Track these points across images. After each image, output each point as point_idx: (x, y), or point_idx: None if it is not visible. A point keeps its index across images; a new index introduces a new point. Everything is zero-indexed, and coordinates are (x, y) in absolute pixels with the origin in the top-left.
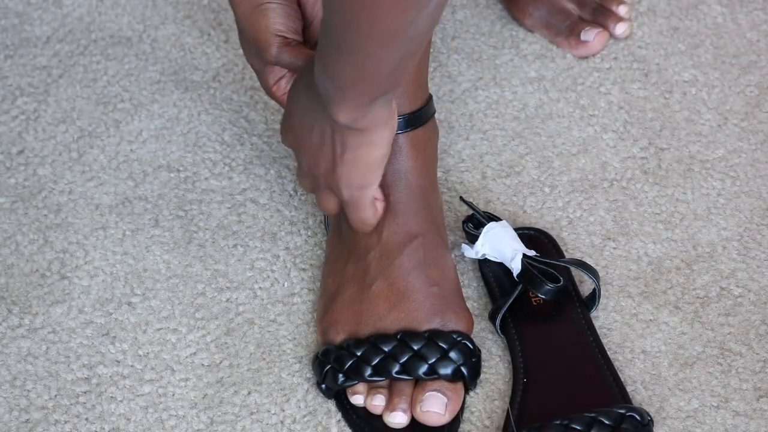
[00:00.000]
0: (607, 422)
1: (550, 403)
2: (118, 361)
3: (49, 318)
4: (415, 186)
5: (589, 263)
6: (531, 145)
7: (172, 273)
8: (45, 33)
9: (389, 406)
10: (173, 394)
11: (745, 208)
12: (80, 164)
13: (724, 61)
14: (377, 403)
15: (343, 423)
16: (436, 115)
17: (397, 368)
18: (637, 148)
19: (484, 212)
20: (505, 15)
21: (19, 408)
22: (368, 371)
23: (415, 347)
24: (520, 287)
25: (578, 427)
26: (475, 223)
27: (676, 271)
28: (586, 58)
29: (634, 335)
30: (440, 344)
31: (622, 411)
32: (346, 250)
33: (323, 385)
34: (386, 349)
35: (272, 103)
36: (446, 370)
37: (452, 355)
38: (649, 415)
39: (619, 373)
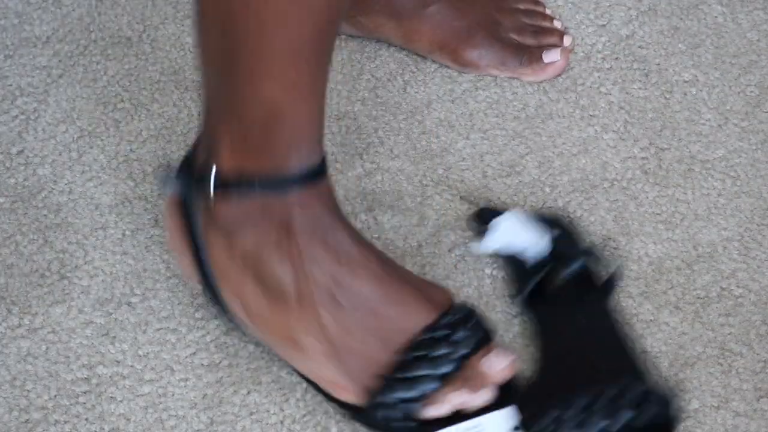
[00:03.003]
0: (632, 398)
1: (574, 379)
2: (118, 361)
3: (49, 318)
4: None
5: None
6: (531, 145)
7: (172, 273)
8: (45, 33)
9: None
10: (173, 394)
11: (745, 208)
12: (80, 164)
13: (724, 61)
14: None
15: (342, 423)
16: (437, 115)
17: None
18: (637, 148)
19: (487, 207)
20: None
21: (18, 408)
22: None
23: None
24: (547, 267)
25: (604, 401)
26: (481, 219)
27: (677, 271)
28: (552, 78)
29: (635, 335)
30: (469, 324)
31: (648, 387)
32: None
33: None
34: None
35: None
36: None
37: (478, 323)
38: (676, 391)
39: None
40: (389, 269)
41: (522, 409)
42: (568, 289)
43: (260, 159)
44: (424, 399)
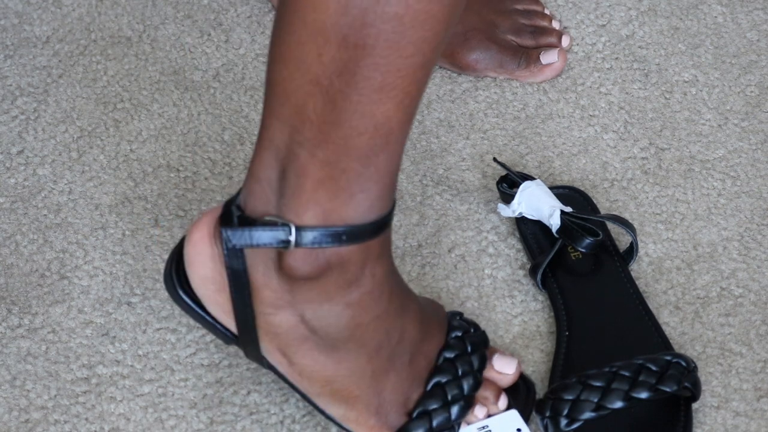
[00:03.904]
0: (654, 368)
1: (594, 353)
2: (118, 361)
3: (49, 318)
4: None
5: (625, 217)
6: (531, 145)
7: None
8: (45, 33)
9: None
10: (173, 394)
11: (745, 208)
12: (80, 164)
13: (724, 61)
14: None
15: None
16: (437, 115)
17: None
18: (637, 148)
19: (518, 172)
20: None
21: (18, 408)
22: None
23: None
24: (559, 242)
25: (627, 374)
26: (509, 182)
27: (677, 271)
28: (551, 79)
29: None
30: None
31: (668, 357)
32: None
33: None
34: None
35: None
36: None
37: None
38: (693, 362)
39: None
40: (416, 298)
41: (554, 381)
42: (585, 260)
43: (353, 201)
44: (457, 421)
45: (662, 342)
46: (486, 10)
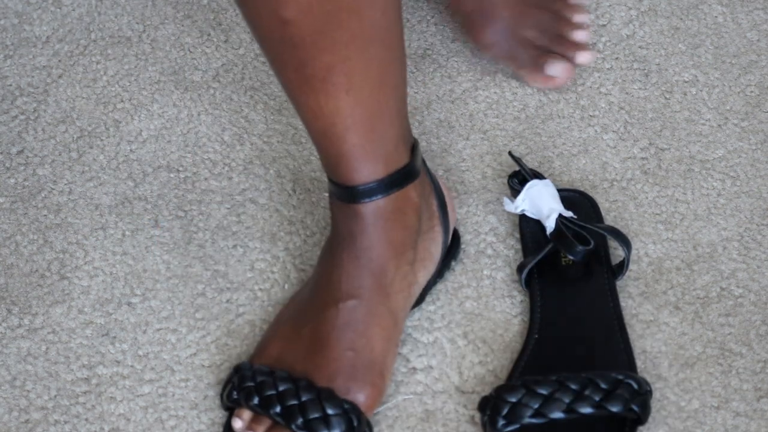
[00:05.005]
0: (602, 385)
1: (557, 361)
2: (118, 362)
3: (49, 318)
4: (374, 255)
5: (623, 232)
6: (531, 146)
7: (171, 273)
8: (45, 33)
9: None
10: (173, 395)
11: (745, 208)
12: (80, 164)
13: (724, 61)
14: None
15: None
16: (437, 115)
17: (278, 409)
18: (637, 148)
19: (530, 170)
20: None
21: (18, 408)
22: (255, 399)
23: (302, 398)
24: (550, 246)
25: (573, 386)
26: (520, 179)
27: (677, 271)
28: (553, 88)
29: (635, 335)
30: (325, 406)
31: (620, 377)
32: (312, 281)
33: (222, 395)
34: (279, 388)
35: (272, 102)
36: (320, 431)
37: (333, 420)
38: (649, 385)
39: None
40: None
41: (511, 378)
42: (575, 267)
43: (403, 155)
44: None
45: (628, 361)
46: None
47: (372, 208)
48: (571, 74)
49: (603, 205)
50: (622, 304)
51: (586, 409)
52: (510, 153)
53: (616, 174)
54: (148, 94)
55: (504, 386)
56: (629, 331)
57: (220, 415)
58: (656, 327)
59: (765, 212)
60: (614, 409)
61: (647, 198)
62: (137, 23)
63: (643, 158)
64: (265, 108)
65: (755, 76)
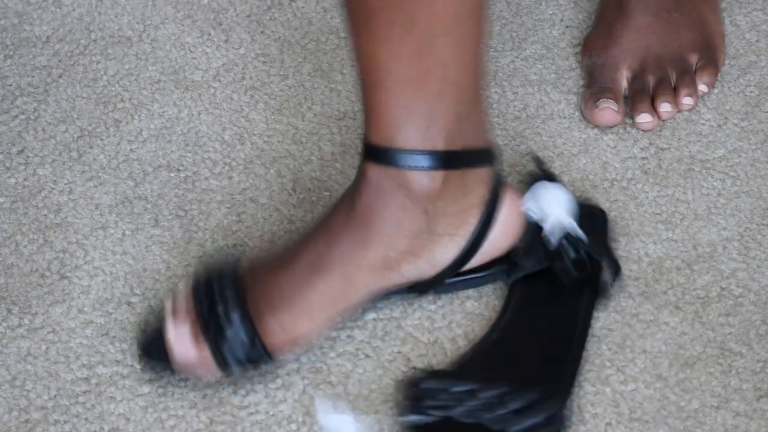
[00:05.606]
0: (515, 404)
1: (501, 366)
2: (118, 361)
3: (49, 318)
4: (364, 220)
5: (619, 262)
6: (532, 145)
7: (172, 273)
8: (45, 33)
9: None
10: (173, 394)
11: (745, 208)
12: (80, 164)
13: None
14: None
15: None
16: None
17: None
18: (637, 148)
19: (549, 172)
20: (504, 16)
21: (18, 408)
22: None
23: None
24: (545, 264)
25: (487, 394)
26: (535, 179)
27: (677, 271)
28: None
29: (635, 335)
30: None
31: (537, 402)
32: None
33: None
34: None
35: (272, 102)
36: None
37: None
38: (569, 418)
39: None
40: None
41: (453, 372)
42: (557, 280)
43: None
44: None
45: (569, 382)
46: (658, 43)
47: (378, 173)
48: (651, 126)
49: (603, 204)
50: (623, 304)
51: (489, 417)
52: (533, 155)
53: (617, 174)
54: (148, 94)
55: (424, 374)
56: (629, 330)
57: (218, 413)
58: (656, 327)
59: (765, 212)
60: (513, 429)
61: (647, 198)
62: (137, 23)
63: (643, 158)
64: (265, 107)
65: (755, 76)
